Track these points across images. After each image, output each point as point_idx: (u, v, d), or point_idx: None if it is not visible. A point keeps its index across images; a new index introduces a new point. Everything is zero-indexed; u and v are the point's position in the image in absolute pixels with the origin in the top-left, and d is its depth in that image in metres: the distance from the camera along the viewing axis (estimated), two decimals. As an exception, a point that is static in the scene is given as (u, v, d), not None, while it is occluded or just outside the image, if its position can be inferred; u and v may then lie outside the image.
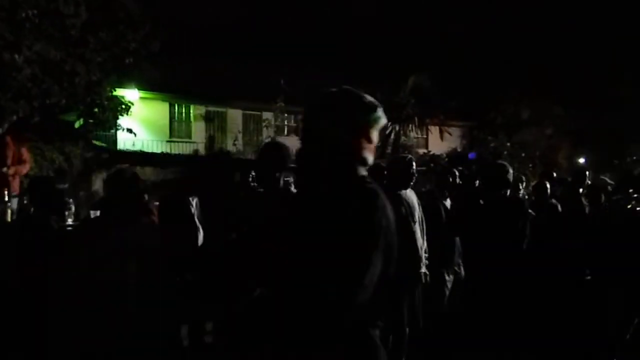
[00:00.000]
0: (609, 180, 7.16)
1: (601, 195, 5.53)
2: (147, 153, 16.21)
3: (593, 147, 22.96)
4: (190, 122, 20.73)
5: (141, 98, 17.02)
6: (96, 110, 11.39)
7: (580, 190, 5.71)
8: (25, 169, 7.33)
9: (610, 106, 22.34)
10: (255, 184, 3.95)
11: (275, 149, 3.56)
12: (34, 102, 9.06)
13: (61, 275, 2.64)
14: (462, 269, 5.00)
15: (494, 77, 22.95)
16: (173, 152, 18.57)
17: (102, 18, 10.15)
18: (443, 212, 4.98)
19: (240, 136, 19.07)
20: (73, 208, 5.92)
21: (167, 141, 19.33)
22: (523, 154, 21.43)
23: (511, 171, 4.49)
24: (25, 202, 6.10)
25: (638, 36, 23.42)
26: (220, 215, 3.49)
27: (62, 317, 2.58)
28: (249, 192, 3.90)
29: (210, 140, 19.85)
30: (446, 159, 21.02)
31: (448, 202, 5.16)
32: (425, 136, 23.95)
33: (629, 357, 4.50)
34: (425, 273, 4.25)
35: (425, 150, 22.39)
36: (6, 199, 5.64)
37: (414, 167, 4.35)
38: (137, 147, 16.33)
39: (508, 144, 21.91)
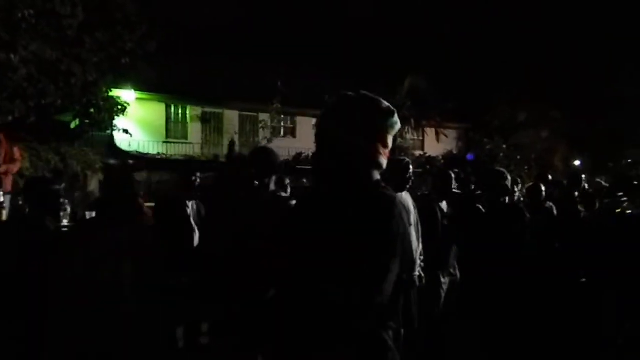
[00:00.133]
0: (604, 183, 7.19)
1: (595, 198, 5.56)
2: (143, 154, 16.20)
3: (589, 149, 23.05)
4: (187, 123, 20.69)
5: (137, 99, 16.98)
6: (92, 110, 11.37)
7: (576, 193, 5.75)
8: (16, 167, 7.35)
9: (606, 108, 22.42)
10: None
11: (265, 153, 3.58)
12: (30, 102, 9.04)
13: (57, 275, 2.64)
14: (457, 271, 5.01)
15: (490, 79, 23.02)
16: (169, 153, 18.57)
17: (98, 18, 10.15)
18: (439, 215, 4.99)
19: (236, 137, 19.07)
20: (68, 209, 5.93)
21: (164, 142, 19.30)
22: (519, 157, 21.51)
23: (509, 177, 4.53)
24: (20, 202, 6.10)
25: (634, 37, 23.49)
26: (227, 216, 3.49)
27: (57, 318, 2.58)
28: (249, 193, 3.90)
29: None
30: (442, 161, 21.11)
31: (444, 205, 5.17)
32: (421, 138, 24.03)
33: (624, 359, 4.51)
34: (420, 276, 4.26)
35: (422, 152, 22.48)
36: (1, 199, 5.64)
37: (411, 170, 4.35)
38: (133, 148, 16.30)
39: (504, 147, 21.99)
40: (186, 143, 19.94)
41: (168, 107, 20.26)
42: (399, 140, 20.91)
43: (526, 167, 20.86)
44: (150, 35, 11.26)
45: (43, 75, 9.11)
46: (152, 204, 4.83)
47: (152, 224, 3.54)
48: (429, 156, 21.76)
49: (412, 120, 21.13)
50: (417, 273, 4.25)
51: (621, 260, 4.42)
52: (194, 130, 20.61)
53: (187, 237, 4.59)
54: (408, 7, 32.32)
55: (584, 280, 5.01)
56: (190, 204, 4.79)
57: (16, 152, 7.39)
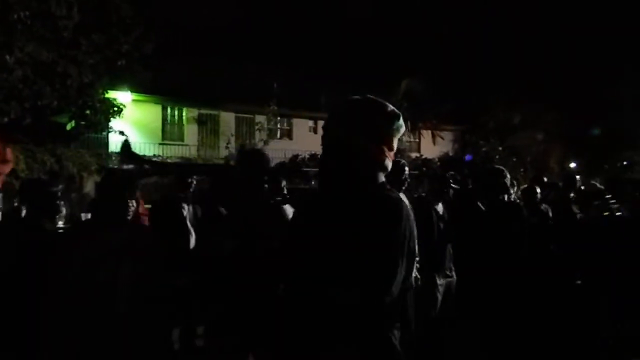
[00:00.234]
0: (598, 185, 7.22)
1: (591, 200, 5.57)
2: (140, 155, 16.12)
3: (584, 151, 23.13)
4: (183, 124, 20.69)
5: (133, 100, 16.97)
6: (88, 112, 11.37)
7: (571, 195, 5.77)
8: (8, 167, 7.34)
9: (603, 110, 22.51)
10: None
11: (258, 156, 3.58)
12: (26, 104, 9.03)
13: (55, 276, 2.64)
14: (453, 272, 5.01)
15: (486, 82, 23.09)
16: (165, 155, 18.53)
17: (94, 20, 10.14)
18: (435, 217, 5.00)
19: (232, 139, 19.06)
20: (64, 211, 5.91)
21: (160, 144, 19.27)
22: (515, 159, 21.57)
23: (508, 176, 4.53)
24: (15, 204, 6.09)
25: (630, 39, 23.61)
26: (226, 217, 3.49)
27: (54, 319, 2.58)
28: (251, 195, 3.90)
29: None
30: (438, 163, 21.15)
31: (440, 207, 5.18)
32: (417, 140, 24.07)
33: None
34: (416, 277, 4.26)
35: (418, 154, 22.54)
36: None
37: (407, 172, 4.36)
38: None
39: (500, 149, 22.05)
40: (182, 145, 19.92)
41: (164, 109, 20.26)
42: (396, 142, 20.94)
43: (522, 170, 20.90)
44: (147, 37, 11.27)
45: (39, 76, 9.11)
46: (149, 206, 4.83)
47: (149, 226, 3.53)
48: (425, 158, 21.82)
49: (409, 122, 21.10)
50: (413, 275, 4.26)
51: (613, 261, 4.44)
52: (190, 132, 20.60)
53: (183, 239, 4.58)
54: (404, 10, 32.41)
55: (579, 282, 5.03)
56: (186, 206, 4.78)
57: (8, 152, 7.37)
